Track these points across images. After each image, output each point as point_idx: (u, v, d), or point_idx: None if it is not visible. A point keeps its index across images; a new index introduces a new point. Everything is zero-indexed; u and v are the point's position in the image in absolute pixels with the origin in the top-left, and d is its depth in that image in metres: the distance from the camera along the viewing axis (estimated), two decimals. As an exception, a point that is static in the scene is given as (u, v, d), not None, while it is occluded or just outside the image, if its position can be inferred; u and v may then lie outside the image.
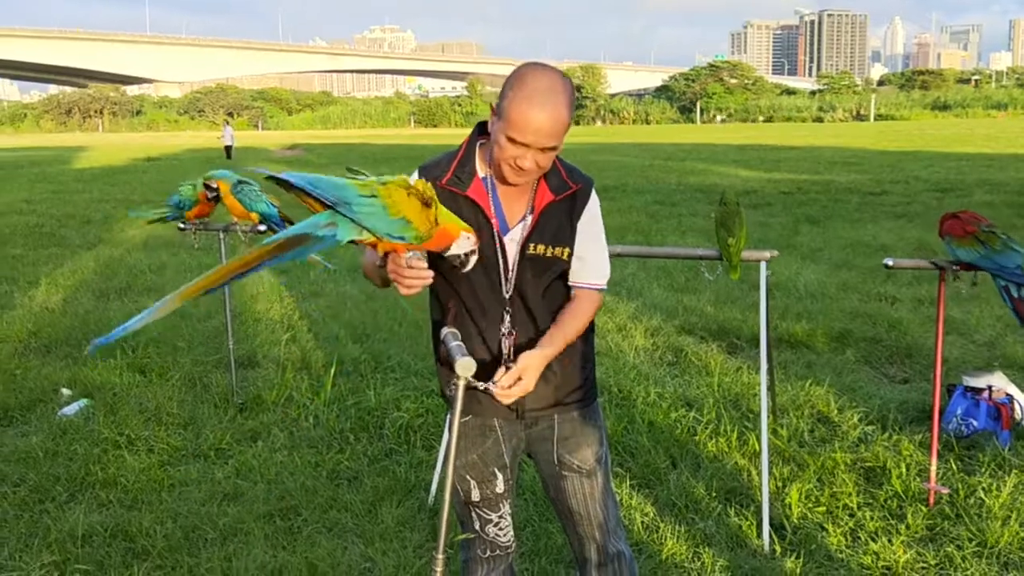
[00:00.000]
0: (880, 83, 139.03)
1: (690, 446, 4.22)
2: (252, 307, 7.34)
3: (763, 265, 3.66)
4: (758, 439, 3.98)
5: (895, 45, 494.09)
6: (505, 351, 2.18)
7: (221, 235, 4.97)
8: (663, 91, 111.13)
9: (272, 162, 31.01)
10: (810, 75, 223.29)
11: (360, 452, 4.29)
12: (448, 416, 2.40)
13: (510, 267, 2.16)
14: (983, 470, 3.90)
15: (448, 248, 2.06)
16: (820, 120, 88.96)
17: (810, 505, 3.61)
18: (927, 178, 19.03)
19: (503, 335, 2.18)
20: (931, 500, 3.61)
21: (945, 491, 3.65)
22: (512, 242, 2.16)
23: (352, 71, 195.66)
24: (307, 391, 5.10)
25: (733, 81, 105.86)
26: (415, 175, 2.17)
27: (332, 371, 5.25)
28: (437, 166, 2.19)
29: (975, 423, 4.33)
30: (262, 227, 4.80)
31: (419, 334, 6.27)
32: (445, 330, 2.22)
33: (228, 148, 33.38)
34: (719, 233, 3.70)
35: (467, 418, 2.24)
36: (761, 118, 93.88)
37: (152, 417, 4.76)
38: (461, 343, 2.15)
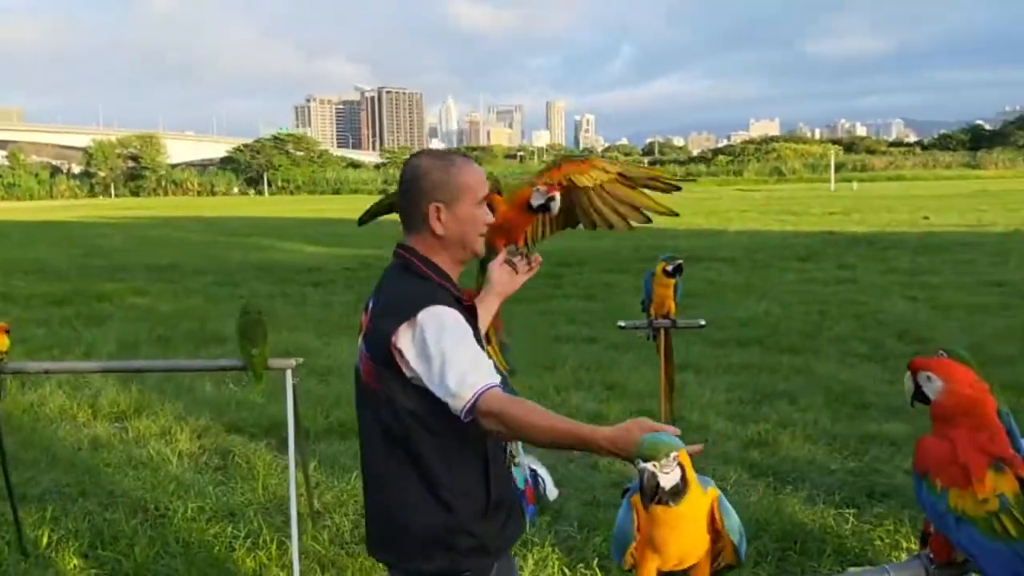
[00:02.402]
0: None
1: (228, 565, 4.04)
2: None
3: (288, 374, 3.62)
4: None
5: (450, 122, 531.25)
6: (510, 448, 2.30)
7: None
8: (228, 162, 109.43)
9: None
10: (374, 149, 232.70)
11: None
12: None
13: None
14: (515, 552, 4.13)
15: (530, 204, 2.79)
16: (385, 192, 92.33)
17: (347, 613, 3.59)
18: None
19: None
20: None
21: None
22: None
23: None
24: None
25: (299, 153, 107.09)
26: (435, 310, 2.08)
27: None
28: (441, 292, 2.16)
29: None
30: None
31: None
32: None
33: None
34: (242, 344, 3.61)
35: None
36: (329, 190, 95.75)
37: None
38: None
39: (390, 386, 2.11)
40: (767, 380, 7.30)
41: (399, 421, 2.12)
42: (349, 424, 6.19)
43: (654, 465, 1.49)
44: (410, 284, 2.17)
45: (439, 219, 2.17)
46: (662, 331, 4.45)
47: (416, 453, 2.12)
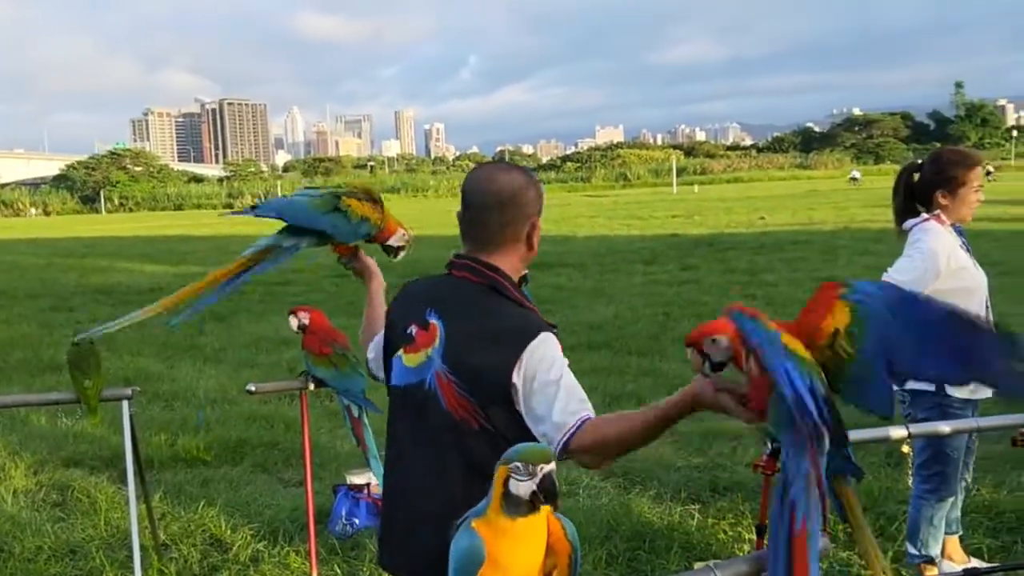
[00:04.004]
0: (285, 169, 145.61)
1: (68, 606, 3.86)
2: None
3: (125, 404, 3.50)
4: (141, 584, 3.77)
5: (296, 133, 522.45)
6: None
7: None
8: (62, 180, 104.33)
9: None
10: (217, 162, 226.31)
11: None
12: None
13: None
14: (365, 570, 4.11)
15: (388, 239, 2.82)
16: (231, 206, 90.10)
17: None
18: (329, 264, 20.10)
19: None
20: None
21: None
22: None
23: None
24: None
25: (138, 169, 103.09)
26: (544, 338, 2.01)
27: None
28: (538, 318, 2.09)
29: (358, 522, 4.57)
30: None
31: None
32: None
33: None
34: (74, 375, 3.46)
35: None
36: (171, 206, 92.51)
37: None
38: None
39: (494, 419, 2.01)
40: (616, 382, 7.49)
41: (496, 455, 2.03)
42: (196, 452, 6.01)
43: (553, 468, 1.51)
44: (510, 311, 2.08)
45: (536, 235, 2.15)
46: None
47: None
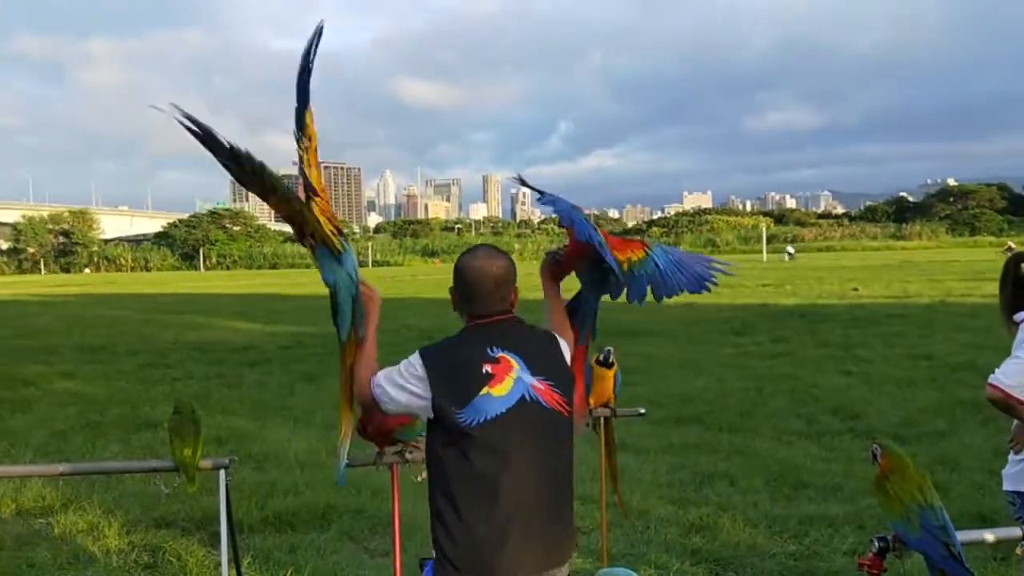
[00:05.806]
0: (376, 231, 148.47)
1: (157, 673, 3.87)
2: None
3: (222, 474, 3.53)
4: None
5: (388, 196, 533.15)
6: None
7: None
8: (163, 237, 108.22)
9: None
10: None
11: None
12: None
13: None
14: (450, 649, 4.04)
15: None
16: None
17: None
18: (417, 326, 20.27)
19: None
20: None
21: None
22: None
23: None
24: None
25: (236, 228, 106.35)
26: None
27: None
28: None
29: (444, 598, 4.50)
30: None
31: None
32: None
33: None
34: (173, 444, 3.52)
35: None
36: (267, 265, 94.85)
37: None
38: None
39: (570, 400, 2.69)
40: (708, 460, 7.31)
41: (571, 434, 2.71)
42: (285, 516, 6.05)
43: None
44: (538, 328, 2.82)
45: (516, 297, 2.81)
46: (602, 420, 4.43)
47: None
